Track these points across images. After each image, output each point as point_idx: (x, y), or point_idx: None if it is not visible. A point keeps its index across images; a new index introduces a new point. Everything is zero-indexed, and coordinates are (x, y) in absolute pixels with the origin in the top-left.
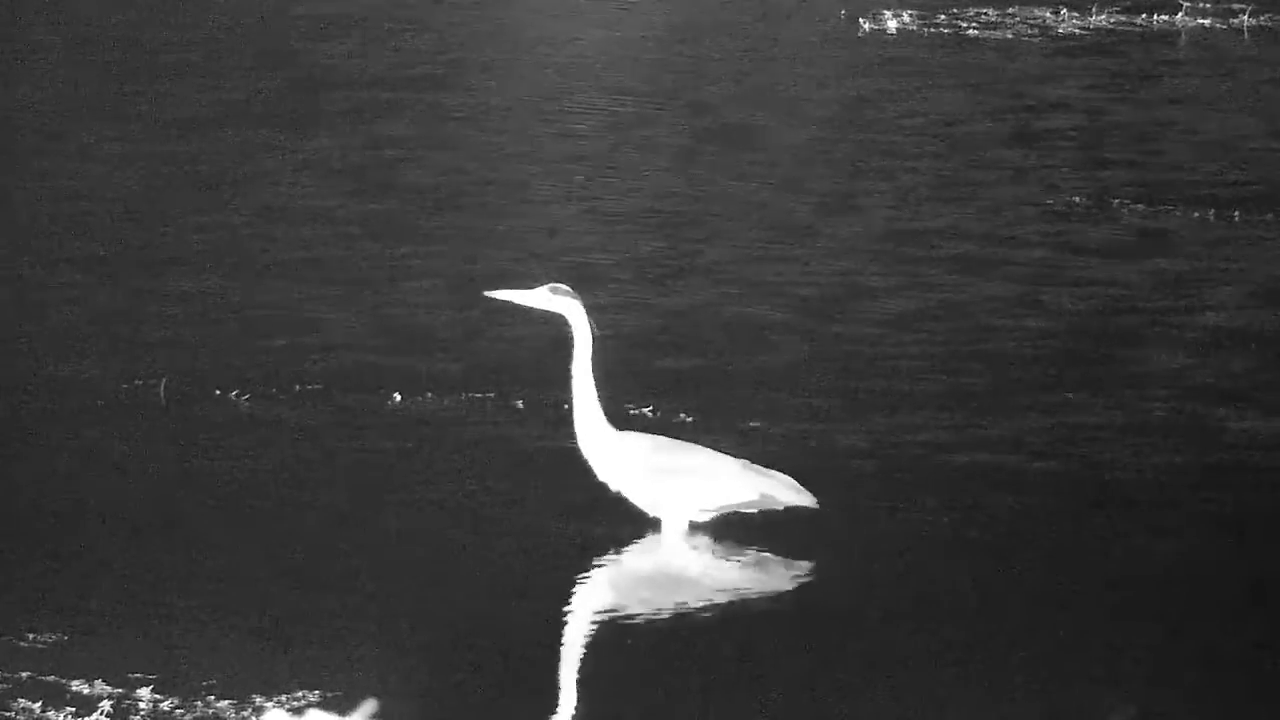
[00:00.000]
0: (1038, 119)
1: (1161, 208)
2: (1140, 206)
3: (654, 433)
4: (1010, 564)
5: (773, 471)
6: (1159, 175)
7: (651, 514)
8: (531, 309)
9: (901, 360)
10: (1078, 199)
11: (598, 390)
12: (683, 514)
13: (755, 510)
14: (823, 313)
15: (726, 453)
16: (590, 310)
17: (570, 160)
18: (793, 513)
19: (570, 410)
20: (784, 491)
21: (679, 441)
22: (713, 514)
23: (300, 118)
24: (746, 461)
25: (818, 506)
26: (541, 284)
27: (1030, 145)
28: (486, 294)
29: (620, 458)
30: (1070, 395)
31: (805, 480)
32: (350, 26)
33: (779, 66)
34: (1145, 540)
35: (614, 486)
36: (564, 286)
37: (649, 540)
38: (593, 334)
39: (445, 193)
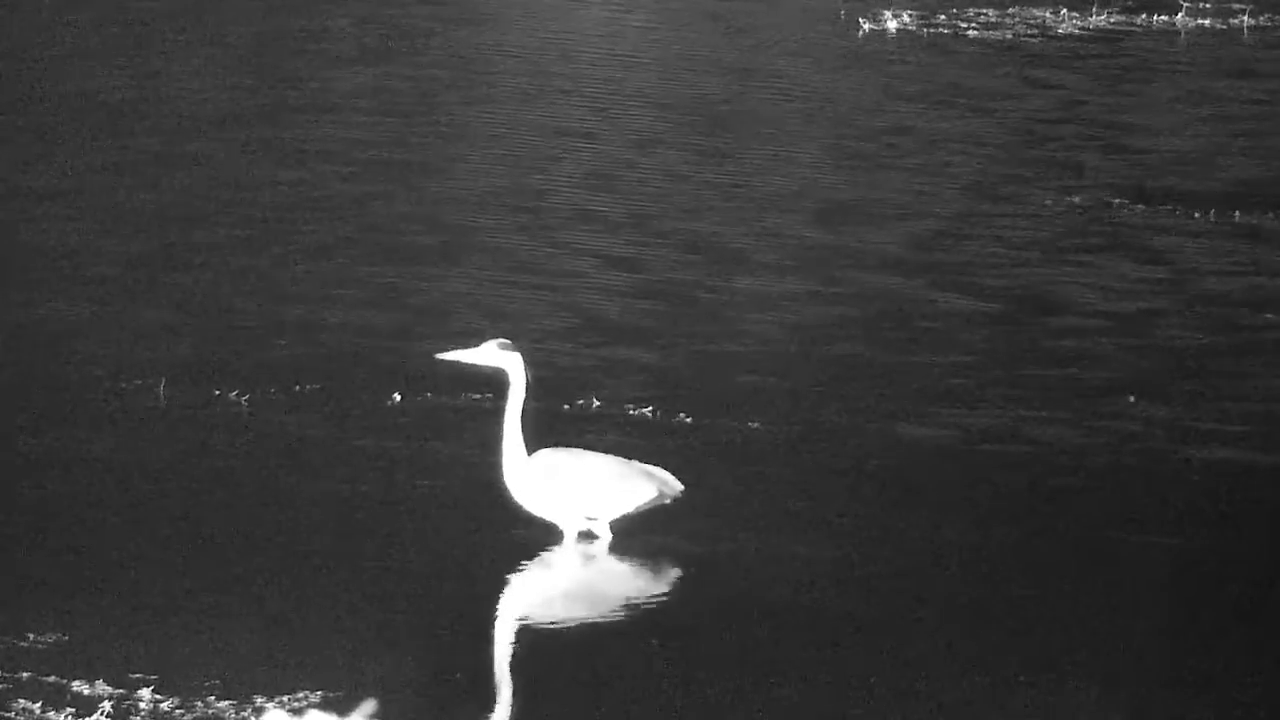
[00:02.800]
0: (1037, 119)
1: (1162, 208)
2: (1140, 208)
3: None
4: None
5: (651, 466)
6: (1159, 176)
7: (568, 526)
8: (479, 366)
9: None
10: (1077, 199)
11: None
12: (598, 520)
13: (653, 506)
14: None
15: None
16: (527, 363)
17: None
18: (678, 503)
19: (502, 445)
20: (667, 484)
21: (582, 452)
22: (622, 517)
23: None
24: (634, 461)
25: (682, 492)
26: (488, 340)
27: (1030, 146)
28: (438, 357)
29: (533, 480)
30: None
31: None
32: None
33: (777, 68)
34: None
35: (534, 510)
36: (507, 341)
37: (570, 549)
38: (527, 382)
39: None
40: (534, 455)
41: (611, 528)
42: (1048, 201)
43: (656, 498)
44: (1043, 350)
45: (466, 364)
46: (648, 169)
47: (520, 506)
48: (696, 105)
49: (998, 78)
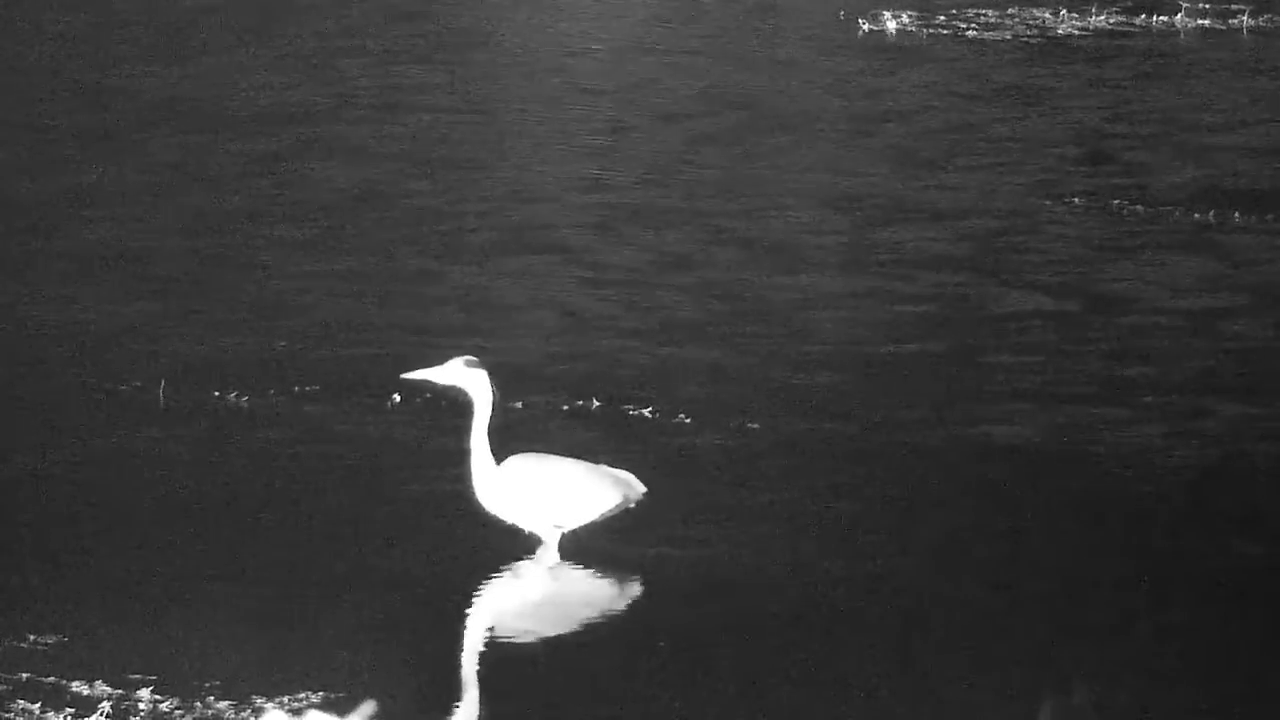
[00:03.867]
0: (1038, 120)
1: (1162, 209)
2: (1140, 208)
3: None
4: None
5: (615, 470)
6: (1159, 176)
7: (537, 532)
8: (444, 385)
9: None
10: (1076, 200)
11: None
12: (564, 526)
13: (620, 510)
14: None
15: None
16: (492, 380)
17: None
18: (642, 505)
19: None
20: (631, 488)
21: (550, 458)
22: (590, 522)
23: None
24: (603, 466)
25: (645, 494)
26: (454, 357)
27: (1030, 146)
28: (403, 376)
29: (503, 487)
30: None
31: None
32: None
33: (779, 68)
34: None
35: (504, 517)
36: (473, 359)
37: (549, 555)
38: (493, 400)
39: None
40: (503, 463)
41: (575, 533)
42: (1046, 201)
43: (622, 502)
44: (1112, 348)
45: (432, 383)
46: (702, 166)
47: (490, 514)
48: (746, 103)
49: (1041, 76)
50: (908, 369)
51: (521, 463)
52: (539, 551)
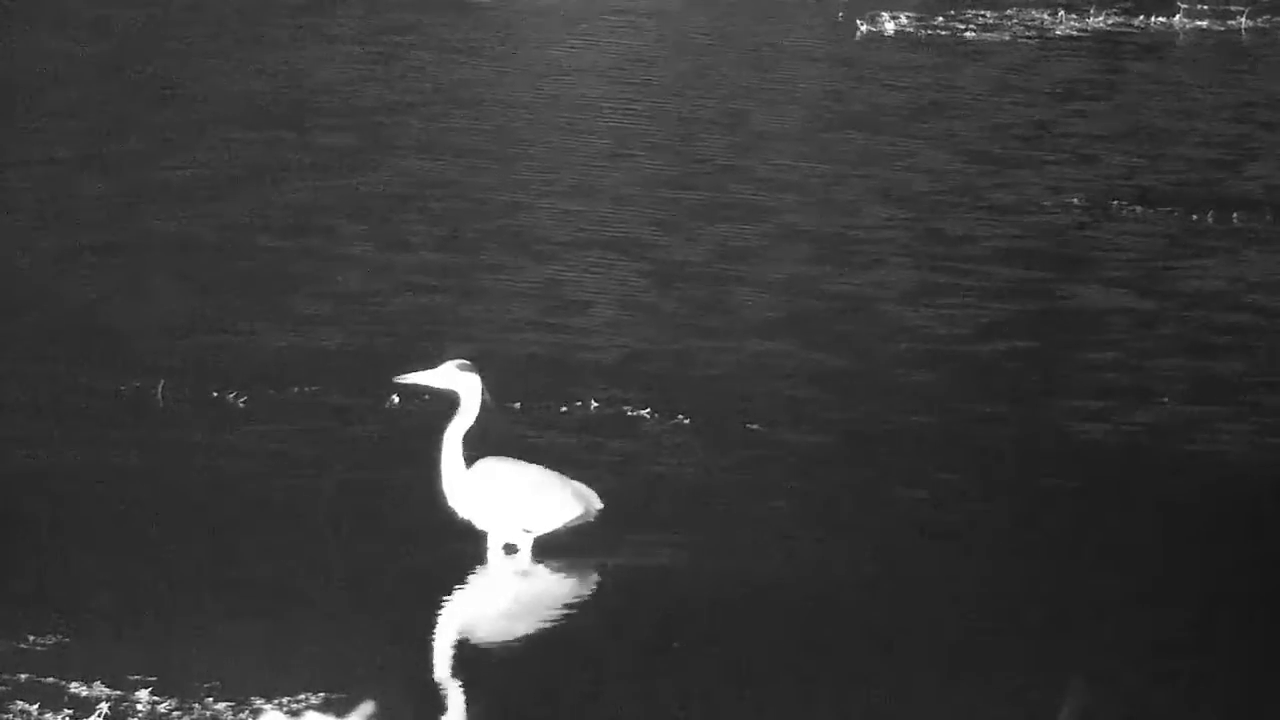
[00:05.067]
0: (1037, 120)
1: (1162, 209)
2: (1139, 209)
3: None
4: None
5: (580, 484)
6: (1160, 176)
7: (501, 536)
8: (437, 388)
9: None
10: (1076, 200)
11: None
12: (534, 531)
13: (579, 523)
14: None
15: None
16: (484, 385)
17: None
18: (601, 520)
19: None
20: (593, 503)
21: (521, 464)
22: (551, 531)
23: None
24: (565, 477)
25: (599, 512)
26: (448, 360)
27: (1029, 146)
28: (395, 380)
29: (471, 489)
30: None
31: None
32: None
33: (778, 69)
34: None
35: (470, 519)
36: (466, 362)
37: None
38: (484, 404)
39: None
40: (474, 465)
41: (535, 541)
42: (1046, 203)
43: (582, 515)
44: (1195, 344)
45: (424, 386)
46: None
47: (456, 515)
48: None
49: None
50: (989, 365)
51: (492, 465)
52: (514, 556)
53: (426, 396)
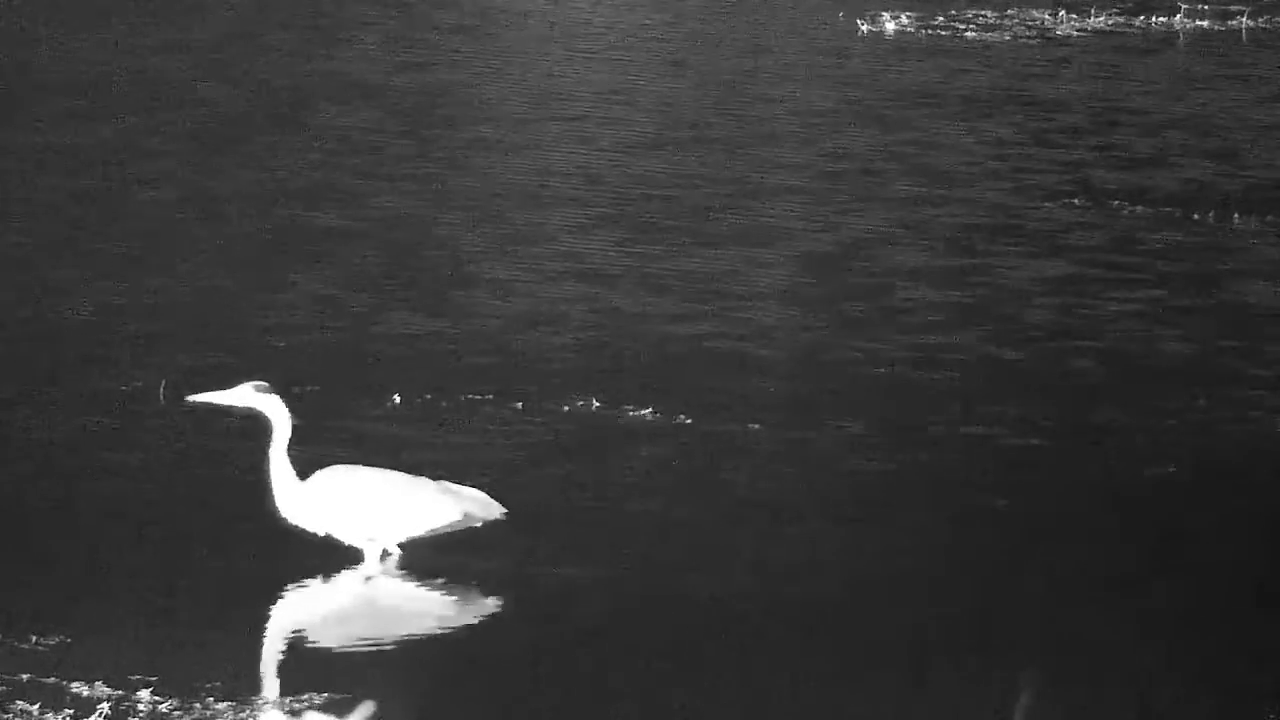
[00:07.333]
0: (1038, 120)
1: (1162, 209)
2: (1139, 209)
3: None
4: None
5: (463, 488)
6: (1159, 176)
7: (356, 544)
8: (234, 407)
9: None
10: (1076, 200)
11: None
12: (386, 541)
13: (457, 529)
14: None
15: (422, 475)
16: (287, 402)
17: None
18: (489, 528)
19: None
20: (480, 507)
21: (374, 470)
22: (418, 537)
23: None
24: (443, 483)
25: (505, 515)
26: (244, 382)
27: (1030, 146)
28: (189, 399)
29: (313, 503)
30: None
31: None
32: None
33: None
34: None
35: (318, 530)
36: (264, 384)
37: (353, 570)
38: (292, 422)
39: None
40: (311, 477)
41: (401, 548)
42: (1046, 203)
43: (460, 520)
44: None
45: (220, 405)
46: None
47: (295, 527)
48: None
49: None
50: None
51: (328, 476)
52: (360, 564)
53: (429, 395)
